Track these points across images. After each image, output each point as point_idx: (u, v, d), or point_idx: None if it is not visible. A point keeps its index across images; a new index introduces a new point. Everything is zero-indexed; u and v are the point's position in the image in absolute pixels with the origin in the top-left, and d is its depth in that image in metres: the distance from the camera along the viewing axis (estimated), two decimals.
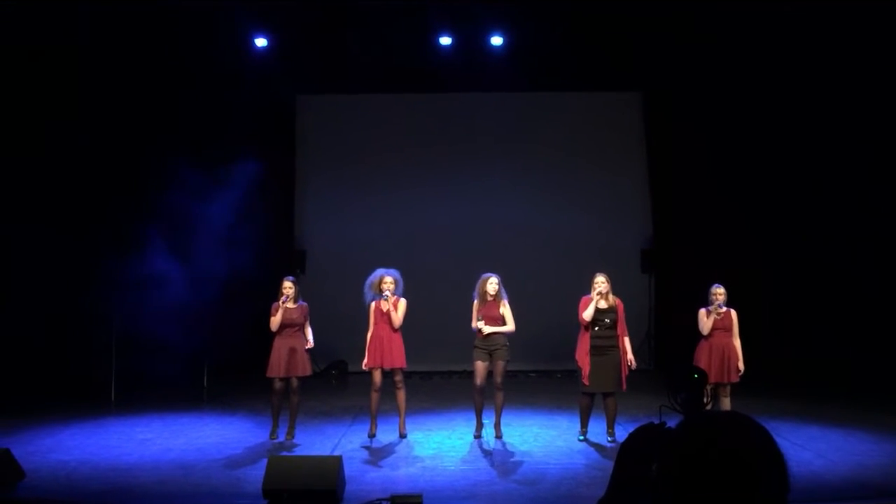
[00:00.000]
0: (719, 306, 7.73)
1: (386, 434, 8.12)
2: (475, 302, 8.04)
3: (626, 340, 7.82)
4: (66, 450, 7.64)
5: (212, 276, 10.24)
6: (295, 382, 8.01)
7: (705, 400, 5.43)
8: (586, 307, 7.74)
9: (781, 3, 10.37)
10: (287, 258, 12.84)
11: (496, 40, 12.35)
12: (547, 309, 11.41)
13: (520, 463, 7.13)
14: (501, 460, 7.26)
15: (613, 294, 7.92)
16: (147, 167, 11.41)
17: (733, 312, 7.82)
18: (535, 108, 13.56)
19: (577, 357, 7.83)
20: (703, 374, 5.56)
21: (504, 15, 11.97)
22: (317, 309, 8.81)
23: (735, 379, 7.70)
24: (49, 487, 6.27)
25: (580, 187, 13.49)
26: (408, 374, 8.53)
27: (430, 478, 6.56)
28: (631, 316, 11.55)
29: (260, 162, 11.34)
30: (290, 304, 8.02)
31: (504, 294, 8.06)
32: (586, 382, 7.73)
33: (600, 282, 7.78)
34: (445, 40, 12.34)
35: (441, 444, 7.90)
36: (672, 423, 1.59)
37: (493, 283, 7.99)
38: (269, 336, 8.10)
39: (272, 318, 8.00)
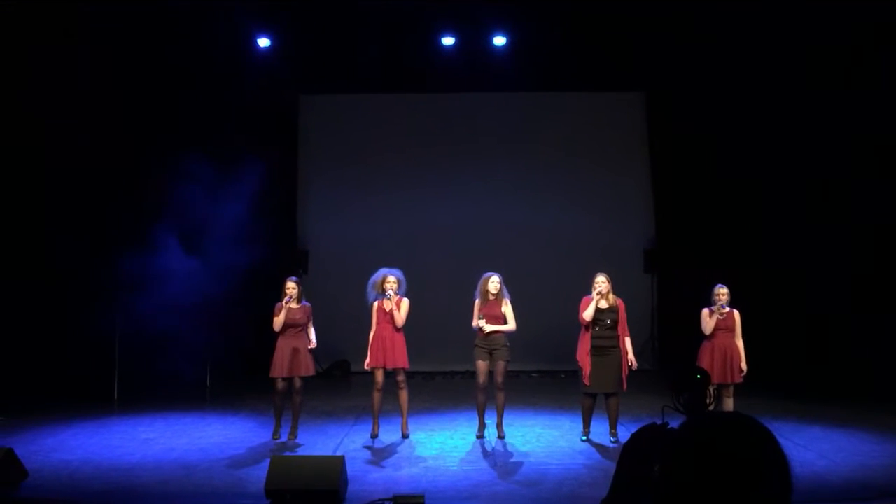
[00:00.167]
0: (722, 307, 7.72)
1: (388, 434, 8.12)
2: (476, 301, 8.04)
3: (628, 341, 7.81)
4: (69, 449, 7.65)
5: (215, 276, 10.24)
6: (298, 383, 8.01)
7: (708, 401, 5.42)
8: (587, 307, 7.74)
9: (782, 3, 10.36)
10: (290, 258, 12.86)
11: (499, 40, 12.35)
12: (549, 309, 11.40)
13: (522, 463, 7.13)
14: (504, 461, 7.26)
15: (615, 294, 7.91)
16: (148, 167, 11.43)
17: (736, 313, 7.81)
18: (537, 108, 13.56)
19: (577, 357, 7.83)
20: (706, 375, 5.53)
21: (506, 15, 11.97)
22: (320, 309, 8.81)
23: (738, 379, 7.69)
24: (52, 487, 6.28)
25: (582, 187, 13.48)
26: (410, 374, 8.53)
27: (432, 478, 6.56)
28: (633, 316, 11.58)
29: (262, 162, 11.34)
30: (293, 305, 8.02)
31: (506, 293, 8.06)
32: (587, 382, 7.73)
33: (601, 282, 7.78)
34: (448, 40, 12.35)
35: (443, 444, 7.90)
36: (675, 423, 1.59)
37: (494, 282, 8.00)
38: (273, 336, 8.10)
39: (275, 319, 8.00)
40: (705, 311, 7.82)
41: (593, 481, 6.40)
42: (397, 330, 7.95)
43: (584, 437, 7.93)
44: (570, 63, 12.51)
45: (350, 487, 6.04)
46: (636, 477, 1.67)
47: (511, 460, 7.25)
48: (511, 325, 7.98)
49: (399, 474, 6.73)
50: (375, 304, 8.04)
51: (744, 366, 7.68)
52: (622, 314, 7.82)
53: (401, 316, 7.95)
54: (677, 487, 1.38)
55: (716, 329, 7.71)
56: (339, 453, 6.92)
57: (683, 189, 12.92)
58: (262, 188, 11.30)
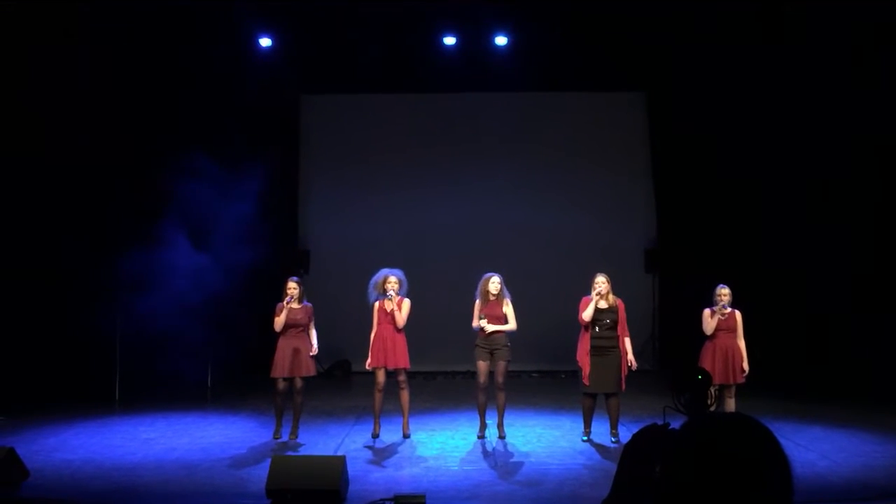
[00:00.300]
0: (724, 307, 7.71)
1: (389, 434, 8.12)
2: (477, 301, 8.04)
3: (627, 341, 7.81)
4: (70, 449, 7.66)
5: (216, 275, 10.24)
6: (299, 383, 8.01)
7: (709, 401, 5.42)
8: (586, 307, 7.74)
9: (783, 3, 10.36)
10: (291, 258, 12.86)
11: (500, 40, 12.35)
12: (550, 309, 11.41)
13: (523, 463, 7.13)
14: (504, 461, 7.26)
15: (616, 294, 7.92)
16: (149, 166, 11.42)
17: (738, 313, 7.80)
18: (538, 108, 13.56)
19: (577, 357, 7.84)
20: (707, 375, 5.54)
21: (508, 15, 11.97)
22: (321, 309, 8.82)
23: (740, 380, 7.69)
24: (53, 486, 6.29)
25: (583, 187, 13.48)
26: (411, 374, 8.53)
27: (433, 478, 6.57)
28: (635, 316, 11.60)
29: (263, 162, 11.34)
30: (294, 305, 8.02)
31: (507, 293, 8.07)
32: (586, 383, 7.73)
33: (600, 282, 7.78)
34: (449, 40, 12.35)
35: (444, 444, 7.90)
36: (676, 424, 1.59)
37: (494, 283, 8.00)
38: (274, 336, 8.10)
39: (276, 319, 8.00)
40: (706, 311, 7.81)
41: (594, 481, 6.40)
42: (398, 330, 7.96)
43: (585, 438, 7.93)
44: (571, 63, 12.51)
45: (351, 487, 6.04)
46: (637, 477, 1.67)
47: (512, 460, 7.26)
48: (512, 325, 7.98)
49: (400, 474, 6.74)
50: (376, 304, 8.04)
51: (746, 366, 7.67)
52: (622, 314, 7.82)
53: (402, 317, 7.95)
54: (678, 488, 1.38)
55: (717, 329, 7.71)
56: (340, 453, 6.92)
57: (684, 189, 12.91)
58: (263, 188, 11.30)
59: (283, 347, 7.99)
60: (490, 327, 7.88)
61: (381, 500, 5.77)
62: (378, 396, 8.01)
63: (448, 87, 13.23)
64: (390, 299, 7.93)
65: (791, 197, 11.56)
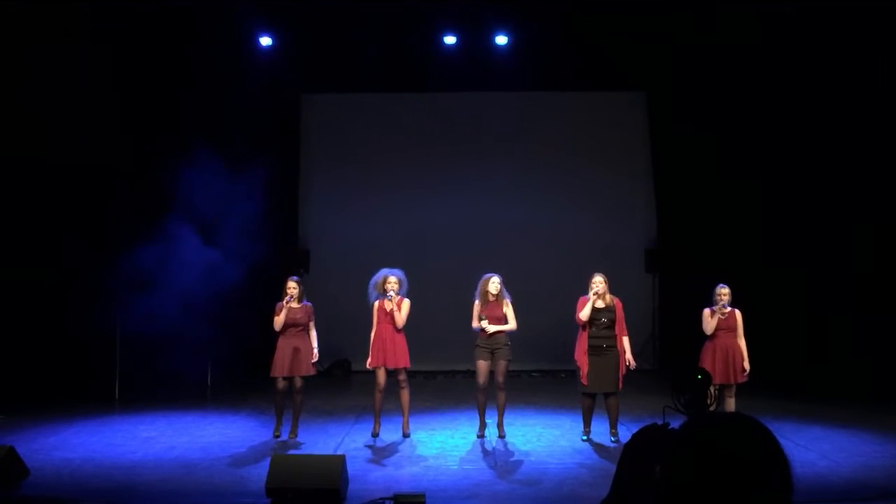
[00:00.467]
0: (724, 306, 7.72)
1: (389, 433, 8.13)
2: (476, 302, 8.04)
3: (625, 340, 7.81)
4: (70, 448, 7.66)
5: (216, 274, 10.24)
6: (298, 382, 8.01)
7: (709, 401, 5.43)
8: (583, 307, 7.75)
9: (783, 3, 10.35)
10: (291, 257, 12.86)
11: (500, 40, 12.35)
12: (550, 309, 11.39)
13: (522, 463, 7.13)
14: (504, 460, 7.26)
15: (616, 294, 7.93)
16: (149, 166, 11.42)
17: (738, 312, 7.81)
18: (538, 107, 13.56)
19: (575, 357, 7.84)
20: (707, 375, 5.55)
21: (508, 15, 11.97)
22: (321, 308, 8.82)
23: (740, 380, 7.69)
24: (53, 485, 6.29)
25: (584, 187, 13.48)
26: (411, 374, 8.53)
27: (433, 477, 6.57)
28: (635, 316, 11.61)
29: (264, 161, 11.33)
30: (294, 304, 8.03)
31: (506, 294, 8.07)
32: (584, 382, 7.74)
33: (597, 281, 7.79)
34: (450, 40, 12.35)
35: (444, 443, 7.90)
36: (676, 423, 1.59)
37: (494, 283, 8.00)
38: (273, 335, 8.11)
39: (276, 318, 8.01)
40: (706, 311, 7.82)
41: (594, 481, 6.39)
42: (398, 330, 7.96)
43: (585, 437, 7.93)
44: (571, 62, 12.51)
45: (351, 486, 6.04)
46: (637, 477, 1.68)
47: (512, 460, 7.26)
48: (512, 325, 7.99)
49: (400, 473, 6.74)
50: (376, 303, 8.04)
51: (747, 365, 7.68)
52: (619, 313, 7.82)
53: (401, 317, 7.95)
54: (678, 488, 1.38)
55: (717, 329, 7.71)
56: (339, 452, 6.92)
57: (684, 189, 12.92)
58: (264, 187, 11.29)
59: (283, 347, 7.99)
60: (491, 328, 7.89)
61: (380, 499, 5.77)
62: (378, 396, 8.02)
63: (448, 87, 13.24)
64: (390, 299, 7.94)
65: (791, 197, 11.56)
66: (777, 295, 11.39)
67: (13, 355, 9.86)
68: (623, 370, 7.76)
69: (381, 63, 12.41)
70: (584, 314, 7.73)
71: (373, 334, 8.02)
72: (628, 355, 7.77)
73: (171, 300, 9.71)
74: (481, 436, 8.08)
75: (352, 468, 6.28)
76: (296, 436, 8.06)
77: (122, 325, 10.64)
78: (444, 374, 12.61)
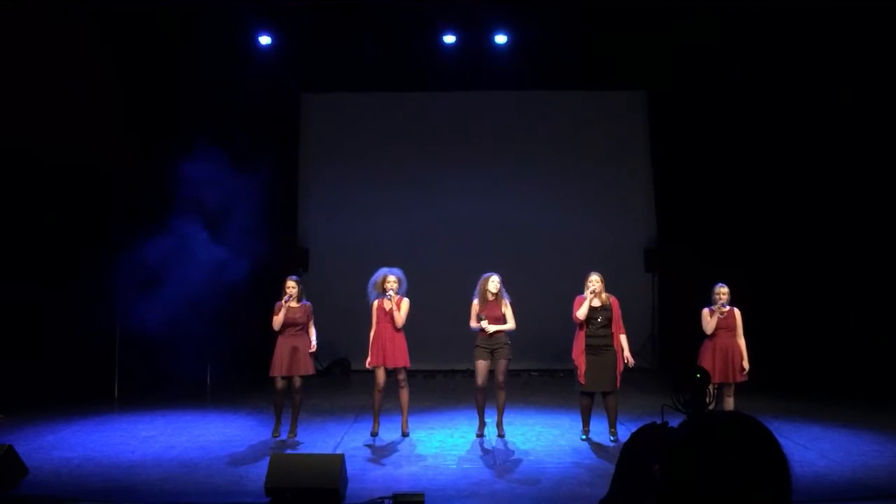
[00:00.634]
0: (723, 305, 7.72)
1: (388, 432, 8.12)
2: (475, 301, 8.04)
3: (623, 338, 7.82)
4: (69, 447, 7.66)
5: (215, 274, 10.24)
6: (297, 381, 8.01)
7: (708, 400, 5.42)
8: (580, 306, 7.76)
9: (783, 2, 10.35)
10: (290, 256, 12.86)
11: (500, 39, 12.35)
12: (550, 308, 11.39)
13: (522, 462, 7.13)
14: (503, 459, 7.25)
15: (616, 293, 7.94)
16: (148, 165, 11.40)
17: (737, 312, 7.80)
18: (538, 106, 13.57)
19: (573, 356, 7.84)
20: (706, 374, 5.54)
21: (507, 14, 11.97)
22: (320, 307, 8.82)
23: (740, 379, 7.68)
24: (52, 484, 6.28)
25: (583, 186, 13.49)
26: (411, 373, 8.53)
27: (432, 476, 6.56)
28: (634, 315, 11.63)
29: (263, 160, 11.33)
30: (293, 304, 8.02)
31: (505, 294, 8.07)
32: (582, 381, 7.73)
33: (594, 280, 7.80)
34: (449, 39, 12.35)
35: (443, 442, 7.90)
36: (674, 423, 1.59)
37: (494, 282, 8.00)
38: (273, 334, 8.10)
39: (275, 318, 8.01)
40: (706, 310, 7.81)
41: (593, 480, 6.39)
42: (397, 329, 7.96)
43: (584, 437, 7.93)
44: (571, 62, 12.50)
45: (350, 485, 6.04)
46: (636, 476, 1.67)
47: (511, 459, 7.25)
48: (511, 325, 8.00)
49: (399, 472, 6.73)
50: (375, 302, 8.04)
51: (746, 364, 7.67)
52: (616, 312, 7.82)
53: (401, 316, 7.95)
54: (677, 487, 1.38)
55: (717, 328, 7.71)
56: (339, 451, 6.92)
57: (684, 188, 12.92)
58: (263, 186, 11.29)
59: (282, 346, 7.99)
60: (492, 327, 7.89)
61: (379, 498, 5.77)
62: (377, 395, 8.01)
63: (448, 86, 13.24)
64: (389, 298, 7.93)
65: (790, 196, 11.56)
66: (776, 294, 11.40)
67: (12, 354, 9.85)
68: (621, 368, 7.76)
69: (381, 62, 12.42)
70: (581, 313, 7.74)
71: (372, 333, 8.02)
72: (626, 353, 7.77)
73: (171, 299, 9.70)
74: (480, 435, 8.07)
75: (351, 467, 6.28)
76: (295, 435, 8.06)
77: (121, 324, 10.63)
78: (443, 374, 12.62)
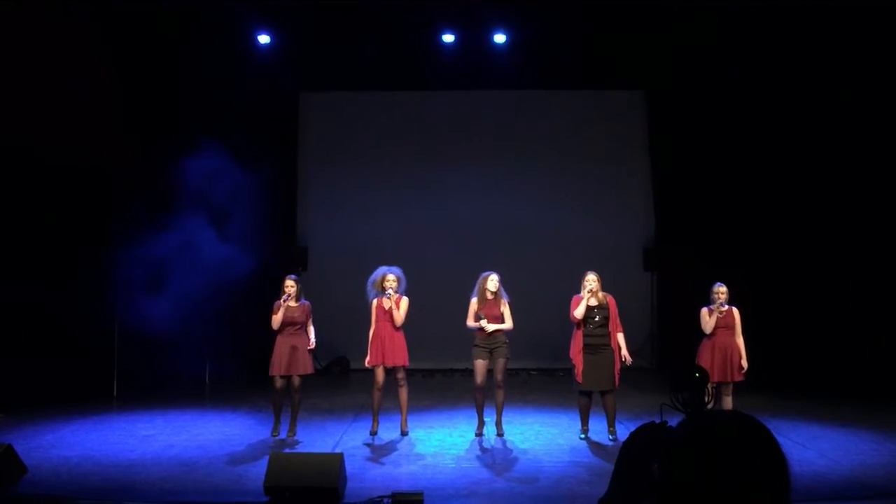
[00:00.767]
0: (721, 305, 7.72)
1: (387, 431, 8.13)
2: (473, 300, 8.04)
3: (620, 336, 7.83)
4: (68, 446, 7.65)
5: (214, 273, 10.23)
6: (296, 380, 8.01)
7: (707, 399, 5.42)
8: (577, 305, 7.76)
9: (783, 2, 10.35)
10: (289, 255, 12.86)
11: (499, 38, 12.35)
12: (549, 307, 11.40)
13: (521, 461, 7.13)
14: (502, 458, 7.26)
15: (614, 292, 7.95)
16: (147, 163, 11.40)
17: (735, 311, 7.81)
18: (537, 106, 13.57)
19: (570, 355, 7.85)
20: (705, 373, 5.54)
21: (506, 13, 11.97)
22: (319, 306, 8.81)
23: (738, 378, 7.69)
24: (51, 483, 6.28)
25: (582, 185, 13.49)
26: (410, 372, 8.53)
27: (431, 475, 6.57)
28: (633, 314, 11.64)
29: (262, 159, 11.33)
30: (291, 303, 8.02)
31: (504, 294, 8.07)
32: (579, 380, 7.73)
33: (590, 279, 7.82)
34: (448, 38, 12.34)
35: (442, 441, 7.90)
36: (673, 422, 1.59)
37: (493, 281, 8.01)
38: (272, 334, 8.10)
39: (273, 317, 8.00)
40: (704, 310, 7.82)
41: (591, 479, 6.39)
42: (397, 328, 7.96)
43: (583, 436, 7.94)
44: (570, 61, 12.51)
45: (349, 484, 6.04)
46: (634, 475, 1.67)
47: (509, 458, 7.26)
48: (509, 325, 8.01)
49: (398, 471, 6.74)
50: (375, 301, 8.04)
51: (744, 363, 7.68)
52: (613, 310, 7.83)
53: (400, 315, 7.95)
54: (676, 487, 1.38)
55: (716, 327, 7.72)
56: (338, 450, 6.92)
57: (683, 187, 12.93)
58: (262, 185, 11.29)
59: (281, 345, 7.99)
60: (491, 326, 7.89)
61: (379, 497, 5.77)
62: (377, 394, 8.02)
63: (447, 85, 13.24)
64: (388, 297, 7.93)
65: (790, 195, 11.57)
66: (775, 293, 11.41)
67: (11, 354, 9.85)
68: (619, 367, 7.77)
69: (380, 61, 12.41)
70: (578, 312, 7.74)
71: (371, 332, 8.02)
72: (624, 351, 7.78)
73: (170, 298, 9.70)
74: (479, 434, 8.08)
75: (350, 466, 6.28)
76: (294, 434, 8.06)
77: (120, 323, 10.63)
78: (442, 373, 12.62)
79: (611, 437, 7.82)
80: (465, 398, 9.51)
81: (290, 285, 8.04)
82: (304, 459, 6.19)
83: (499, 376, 7.96)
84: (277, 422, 8.12)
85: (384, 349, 7.90)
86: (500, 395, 8.05)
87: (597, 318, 7.75)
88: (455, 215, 13.33)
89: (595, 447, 7.62)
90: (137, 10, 10.60)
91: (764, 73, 11.50)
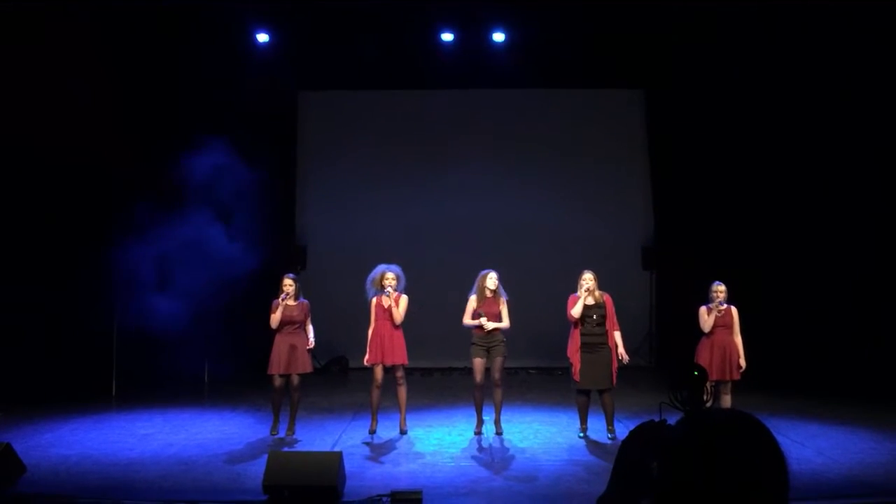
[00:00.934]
0: (720, 303, 7.73)
1: (386, 430, 8.13)
2: (472, 298, 8.04)
3: (617, 335, 7.84)
4: (67, 444, 7.65)
5: (213, 272, 10.23)
6: (295, 379, 8.01)
7: (705, 397, 5.43)
8: (574, 304, 7.77)
9: (782, 3, 10.35)
10: (288, 254, 12.85)
11: (498, 37, 12.34)
12: (548, 306, 11.39)
13: (519, 459, 7.13)
14: (501, 457, 7.26)
15: (613, 290, 7.96)
16: (146, 162, 11.40)
17: (734, 309, 7.82)
18: (536, 105, 13.57)
19: (568, 354, 7.86)
20: (704, 372, 5.55)
21: (505, 12, 11.96)
22: (318, 305, 8.81)
23: (736, 376, 7.70)
24: (50, 482, 6.28)
25: (582, 184, 13.49)
26: (409, 371, 8.53)
27: (430, 474, 6.57)
28: (632, 313, 11.64)
29: (261, 158, 11.33)
30: (290, 302, 8.02)
31: (503, 292, 8.07)
32: (577, 379, 7.74)
33: (587, 279, 7.82)
34: (447, 37, 12.34)
35: (441, 440, 7.91)
36: (672, 420, 1.59)
37: (492, 279, 8.01)
38: (270, 333, 8.10)
39: (272, 316, 8.00)
40: (703, 308, 7.82)
41: (590, 478, 6.40)
42: (396, 327, 7.96)
43: (582, 434, 7.94)
44: (569, 60, 12.50)
45: (348, 483, 6.04)
46: (634, 474, 1.68)
47: (508, 456, 7.26)
48: (507, 323, 8.02)
49: (397, 470, 6.74)
50: (374, 300, 8.04)
51: (742, 362, 7.69)
52: (610, 309, 7.83)
53: (399, 313, 7.95)
54: (675, 485, 1.38)
55: (714, 326, 7.73)
56: (337, 449, 6.93)
57: (682, 186, 12.93)
58: (261, 184, 11.28)
59: (280, 344, 7.99)
60: (490, 325, 7.90)
61: (378, 495, 5.77)
62: (375, 393, 8.02)
63: (446, 84, 13.23)
64: (388, 296, 7.93)
65: (789, 194, 11.57)
66: (775, 292, 11.41)
67: (11, 353, 9.85)
68: (616, 365, 7.78)
69: (379, 60, 12.40)
70: (575, 311, 7.75)
71: (370, 331, 8.02)
72: (621, 350, 7.79)
73: (168, 297, 9.70)
74: (478, 433, 8.08)
75: (349, 465, 6.28)
76: (293, 433, 8.06)
77: (119, 322, 10.62)
78: (441, 371, 12.62)
79: (609, 435, 7.82)
80: (464, 397, 9.51)
81: (288, 284, 8.04)
82: (303, 458, 6.20)
83: (496, 375, 7.97)
84: (276, 420, 8.13)
85: (383, 348, 7.91)
86: (499, 393, 8.06)
87: (594, 317, 7.76)
88: (454, 214, 13.33)
89: (594, 446, 7.63)
90: (137, 10, 10.59)
91: (764, 73, 11.50)
